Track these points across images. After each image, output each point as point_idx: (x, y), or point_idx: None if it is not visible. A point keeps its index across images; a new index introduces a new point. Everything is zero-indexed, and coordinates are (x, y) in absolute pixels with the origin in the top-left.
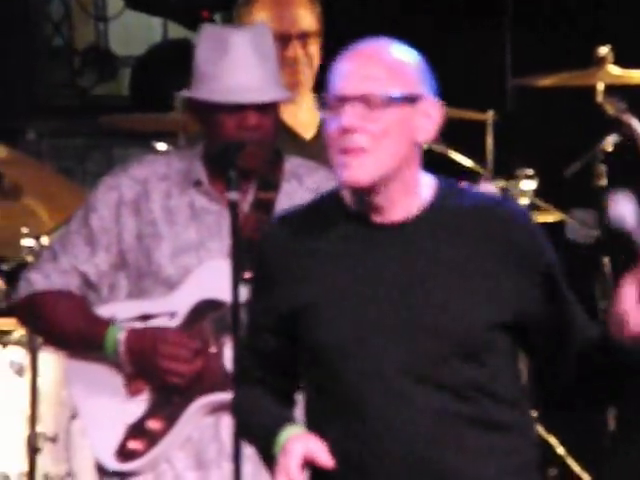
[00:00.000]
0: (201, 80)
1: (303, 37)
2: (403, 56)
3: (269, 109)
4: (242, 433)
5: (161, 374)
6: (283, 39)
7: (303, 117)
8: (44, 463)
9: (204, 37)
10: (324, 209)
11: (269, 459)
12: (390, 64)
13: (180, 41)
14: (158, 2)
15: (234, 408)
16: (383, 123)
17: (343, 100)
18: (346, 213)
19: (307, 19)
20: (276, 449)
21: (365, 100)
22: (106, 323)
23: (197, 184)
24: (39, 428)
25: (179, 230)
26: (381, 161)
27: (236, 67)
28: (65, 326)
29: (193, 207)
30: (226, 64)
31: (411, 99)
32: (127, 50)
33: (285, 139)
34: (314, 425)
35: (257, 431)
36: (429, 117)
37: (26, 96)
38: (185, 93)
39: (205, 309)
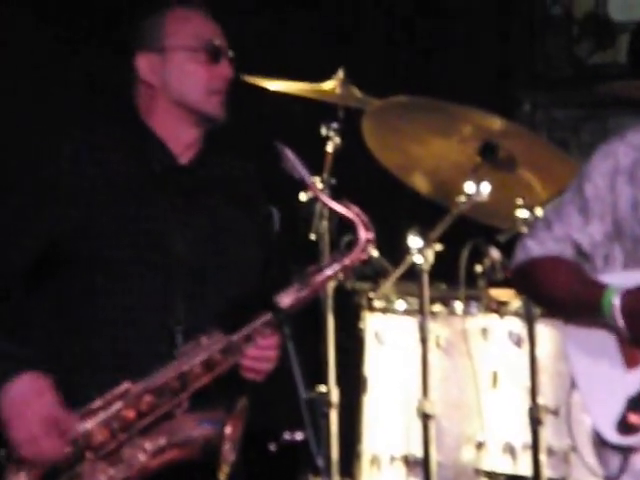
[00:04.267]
0: None
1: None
2: None
3: None
4: None
5: None
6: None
7: None
8: (547, 436)
9: None
10: None
11: None
12: None
13: None
14: None
15: None
16: None
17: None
18: None
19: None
20: None
21: None
22: (602, 286)
23: None
24: (540, 400)
25: None
26: None
27: None
28: (561, 290)
29: None
30: None
31: None
32: (627, 16)
33: None
34: None
35: None
36: None
37: (524, 66)
38: None
39: None
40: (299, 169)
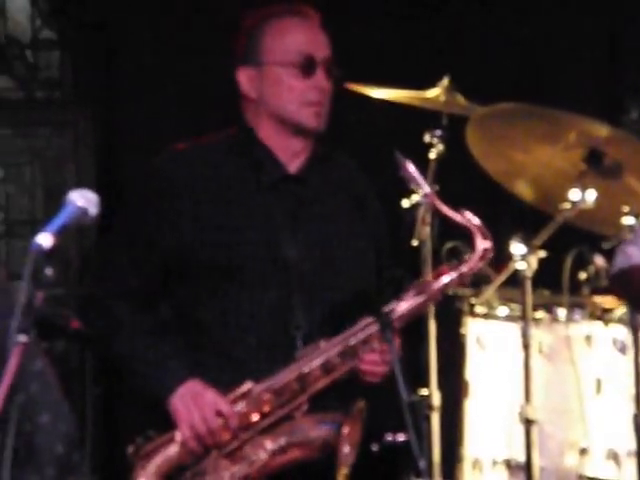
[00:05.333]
0: None
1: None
2: None
3: None
4: None
5: None
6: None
7: None
8: None
9: None
10: None
11: None
12: None
13: None
14: None
15: None
16: None
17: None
18: None
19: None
20: None
21: None
22: None
23: None
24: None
25: None
26: None
27: None
28: None
29: None
30: None
31: None
32: None
33: None
34: None
35: None
36: None
37: (632, 73)
38: None
39: None
40: (418, 179)
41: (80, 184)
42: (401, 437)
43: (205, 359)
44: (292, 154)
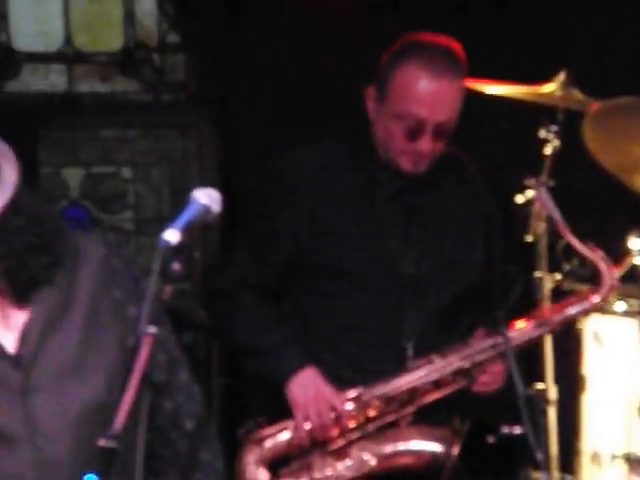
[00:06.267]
0: None
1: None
2: None
3: None
4: None
5: None
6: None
7: None
8: None
9: None
10: None
11: None
12: None
13: None
14: None
15: None
16: None
17: None
18: None
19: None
20: None
21: None
22: None
23: None
24: None
25: None
26: None
27: None
28: None
29: None
30: None
31: None
32: None
33: None
34: None
35: None
36: None
37: None
38: None
39: None
40: (550, 206)
41: (204, 183)
42: (517, 430)
43: (319, 357)
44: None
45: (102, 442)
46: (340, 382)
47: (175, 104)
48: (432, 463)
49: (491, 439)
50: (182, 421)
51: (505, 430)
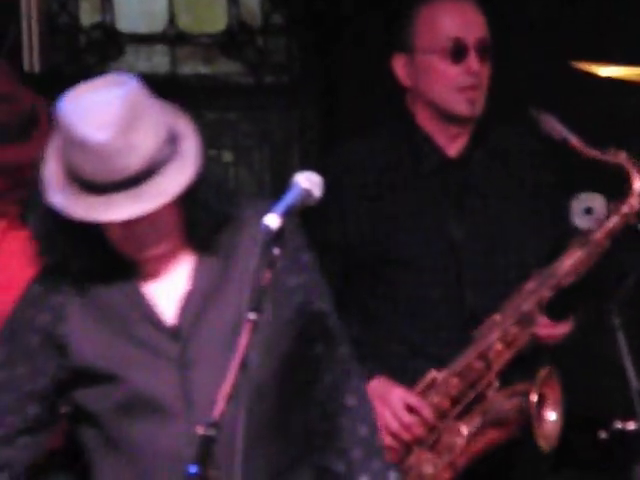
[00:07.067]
0: None
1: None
2: None
3: None
4: None
5: None
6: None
7: None
8: None
9: None
10: None
11: None
12: None
13: None
14: None
15: None
16: None
17: None
18: None
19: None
20: None
21: None
22: None
23: None
24: None
25: None
26: None
27: None
28: None
29: None
30: None
31: None
32: None
33: None
34: None
35: None
36: None
37: None
38: None
39: None
40: (559, 129)
41: (305, 167)
42: (631, 425)
43: (386, 349)
44: (450, 139)
45: (201, 430)
46: (415, 374)
47: (277, 86)
48: (519, 422)
49: (603, 435)
50: (343, 395)
51: (618, 425)
